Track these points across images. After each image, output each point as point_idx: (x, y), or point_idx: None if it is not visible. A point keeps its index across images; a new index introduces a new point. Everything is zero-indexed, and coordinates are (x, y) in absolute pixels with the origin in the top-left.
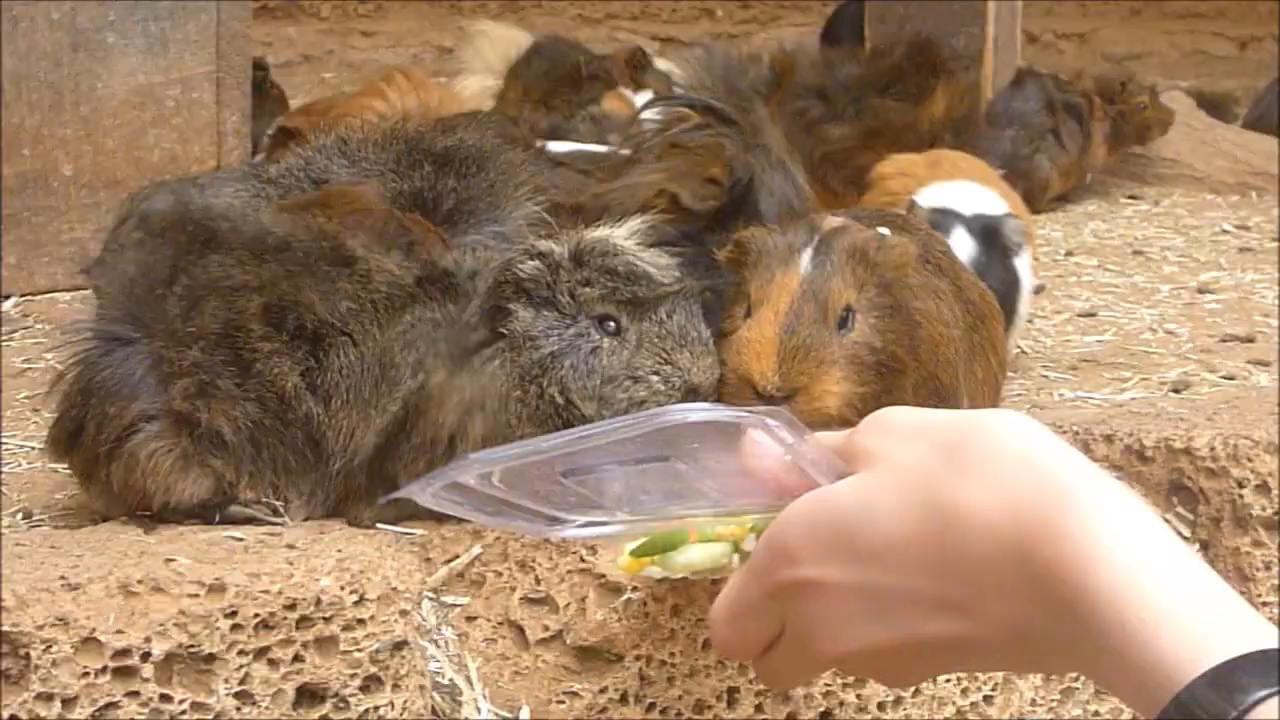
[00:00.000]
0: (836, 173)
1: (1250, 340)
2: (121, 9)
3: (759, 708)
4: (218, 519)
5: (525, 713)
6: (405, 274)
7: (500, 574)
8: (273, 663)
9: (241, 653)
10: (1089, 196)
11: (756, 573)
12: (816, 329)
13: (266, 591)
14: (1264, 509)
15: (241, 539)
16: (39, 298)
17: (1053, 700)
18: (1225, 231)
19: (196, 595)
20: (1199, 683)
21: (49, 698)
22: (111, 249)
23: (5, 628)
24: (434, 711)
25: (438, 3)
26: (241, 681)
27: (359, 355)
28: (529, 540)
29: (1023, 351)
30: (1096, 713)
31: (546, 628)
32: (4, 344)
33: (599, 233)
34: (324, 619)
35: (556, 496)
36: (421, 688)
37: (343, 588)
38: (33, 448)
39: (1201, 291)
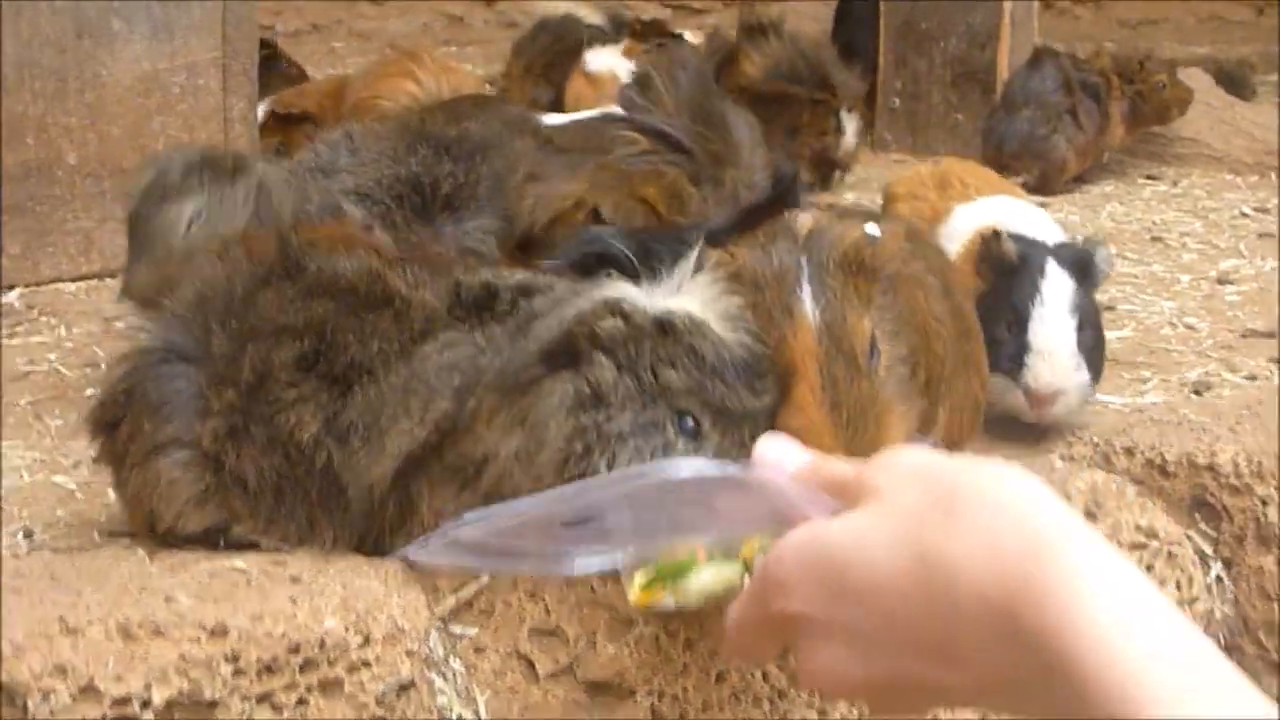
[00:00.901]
0: None
1: (1271, 336)
2: None
3: None
4: (221, 544)
5: None
6: (440, 303)
7: (510, 604)
8: (276, 707)
9: (244, 698)
10: (1106, 177)
11: (755, 599)
12: (855, 384)
13: (269, 634)
14: None
15: (244, 570)
16: (44, 288)
17: None
18: (1245, 215)
19: (198, 639)
20: None
21: None
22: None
23: (3, 678)
24: None
25: None
26: None
27: (378, 392)
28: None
29: None
30: None
31: (556, 661)
32: (6, 342)
33: (680, 304)
34: (328, 661)
35: (560, 540)
36: None
37: (347, 629)
38: (36, 458)
39: (1221, 282)
